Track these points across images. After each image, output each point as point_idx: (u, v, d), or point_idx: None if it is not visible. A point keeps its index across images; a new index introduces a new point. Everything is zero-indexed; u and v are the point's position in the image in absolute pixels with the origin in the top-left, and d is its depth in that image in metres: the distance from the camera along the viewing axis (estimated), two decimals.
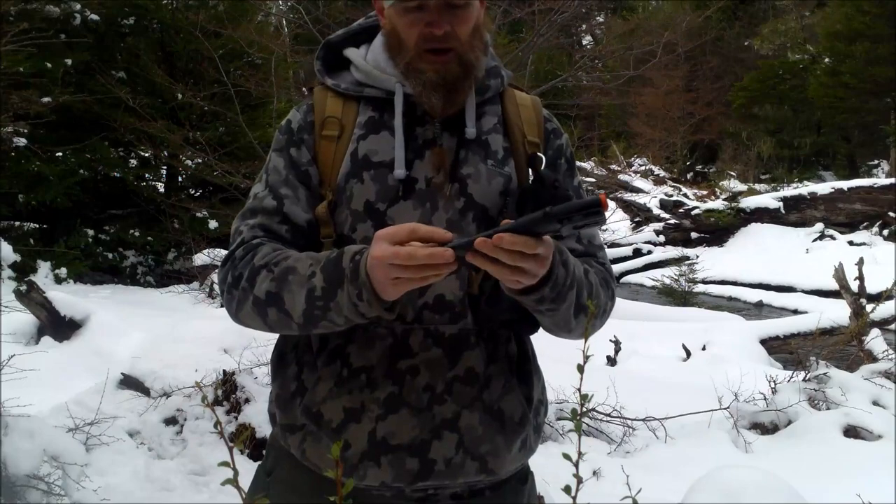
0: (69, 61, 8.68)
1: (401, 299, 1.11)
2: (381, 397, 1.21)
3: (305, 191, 1.26)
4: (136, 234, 9.66)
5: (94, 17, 9.12)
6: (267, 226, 1.25)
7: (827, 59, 22.00)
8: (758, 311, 11.78)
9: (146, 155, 9.91)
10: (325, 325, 1.15)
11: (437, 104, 1.24)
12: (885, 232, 14.32)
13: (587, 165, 20.24)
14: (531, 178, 1.28)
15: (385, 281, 1.05)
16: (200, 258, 8.83)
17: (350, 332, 1.21)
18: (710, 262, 13.01)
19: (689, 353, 6.75)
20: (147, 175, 10.49)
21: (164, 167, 10.43)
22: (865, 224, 14.80)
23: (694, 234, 15.50)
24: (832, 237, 14.54)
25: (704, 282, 12.30)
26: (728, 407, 4.33)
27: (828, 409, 4.30)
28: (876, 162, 22.06)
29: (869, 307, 5.80)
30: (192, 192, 10.53)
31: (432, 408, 1.21)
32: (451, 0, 1.22)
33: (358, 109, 1.30)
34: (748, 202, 15.76)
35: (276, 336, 1.32)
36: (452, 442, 1.22)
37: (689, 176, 23.68)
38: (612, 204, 13.89)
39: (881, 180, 16.29)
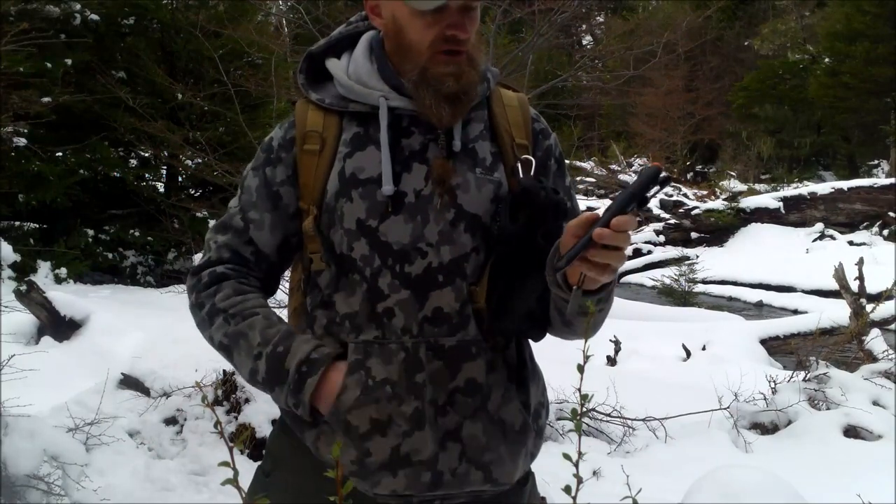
0: (69, 61, 8.65)
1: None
2: (407, 412, 1.21)
3: (272, 213, 1.29)
4: (136, 234, 9.64)
5: (94, 17, 9.09)
6: (234, 246, 1.31)
7: (827, 59, 22.00)
8: (758, 311, 11.77)
9: (146, 155, 9.88)
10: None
11: (446, 116, 1.23)
12: (885, 232, 14.32)
13: (587, 165, 20.25)
14: (521, 181, 1.27)
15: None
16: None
17: (367, 348, 1.22)
18: (710, 262, 12.99)
19: (689, 353, 6.75)
20: (147, 175, 10.46)
21: (164, 167, 10.40)
22: (865, 224, 14.79)
23: (694, 234, 15.48)
24: (832, 237, 14.53)
25: (704, 282, 12.28)
26: (728, 407, 4.33)
27: (828, 409, 4.30)
28: (876, 162, 22.04)
29: (869, 307, 5.80)
30: (192, 192, 10.50)
31: (437, 420, 1.21)
32: (470, 2, 1.21)
33: (341, 123, 1.28)
34: (748, 202, 15.75)
35: None
36: (456, 452, 1.22)
37: (689, 176, 23.66)
38: None
39: (881, 180, 16.28)
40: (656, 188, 1.05)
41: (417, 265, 1.21)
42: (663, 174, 1.04)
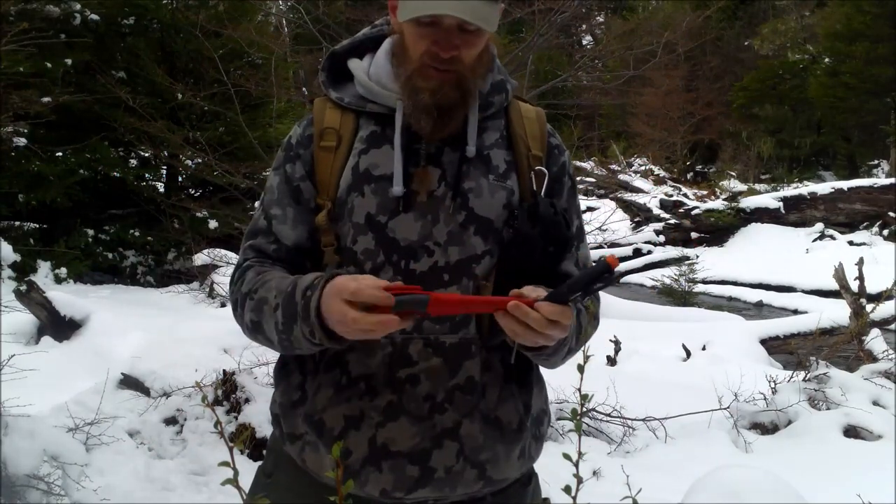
0: (69, 61, 8.66)
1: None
2: (380, 405, 1.22)
3: (294, 208, 1.30)
4: (136, 234, 9.64)
5: (94, 17, 9.09)
6: (258, 246, 1.31)
7: (827, 59, 22.01)
8: (758, 311, 11.77)
9: (146, 155, 9.89)
10: (299, 351, 1.21)
11: (426, 127, 1.24)
12: (885, 232, 14.31)
13: (587, 165, 20.25)
14: (541, 211, 1.28)
15: (337, 328, 1.11)
16: (200, 258, 8.82)
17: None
18: (710, 262, 13.00)
19: (689, 353, 6.75)
20: (147, 175, 10.47)
21: (164, 167, 10.41)
22: (865, 224, 14.79)
23: (694, 234, 15.49)
24: (832, 237, 14.53)
25: (704, 282, 12.28)
26: (728, 407, 4.33)
27: (828, 409, 4.30)
28: (876, 162, 22.03)
29: (869, 307, 5.80)
30: (192, 192, 10.51)
31: (433, 417, 1.22)
32: (465, 24, 1.21)
33: (358, 122, 1.30)
34: (748, 202, 15.75)
35: None
36: (453, 450, 1.22)
37: (689, 176, 23.67)
38: (612, 204, 13.88)
39: (881, 180, 16.27)
40: (603, 282, 1.08)
41: (423, 263, 1.23)
42: (614, 273, 1.07)
